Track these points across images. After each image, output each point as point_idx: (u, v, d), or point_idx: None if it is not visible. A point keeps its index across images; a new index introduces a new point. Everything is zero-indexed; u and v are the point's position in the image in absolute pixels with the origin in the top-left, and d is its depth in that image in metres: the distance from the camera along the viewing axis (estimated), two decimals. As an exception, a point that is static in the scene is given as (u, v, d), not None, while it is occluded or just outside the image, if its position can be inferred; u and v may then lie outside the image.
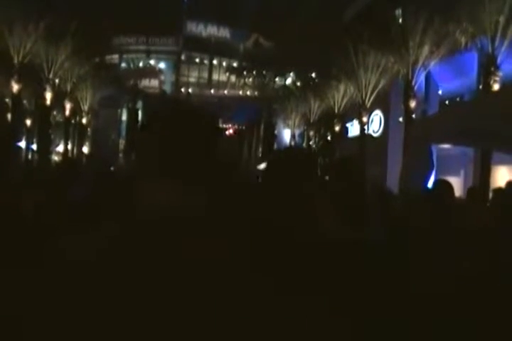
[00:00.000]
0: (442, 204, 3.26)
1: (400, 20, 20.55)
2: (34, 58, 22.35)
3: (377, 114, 23.85)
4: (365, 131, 23.12)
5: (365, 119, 22.91)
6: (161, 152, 1.20)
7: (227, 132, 43.13)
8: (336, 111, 26.35)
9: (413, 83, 18.63)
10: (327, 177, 3.08)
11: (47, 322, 0.90)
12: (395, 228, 2.58)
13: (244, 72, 51.41)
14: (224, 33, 57.17)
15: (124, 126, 44.80)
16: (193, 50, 56.05)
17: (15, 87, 21.29)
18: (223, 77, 56.20)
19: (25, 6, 20.53)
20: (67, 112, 28.09)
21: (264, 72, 47.32)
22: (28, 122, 28.10)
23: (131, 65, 53.47)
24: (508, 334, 2.09)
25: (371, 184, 2.89)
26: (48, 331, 0.90)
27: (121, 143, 44.10)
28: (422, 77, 18.95)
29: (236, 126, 42.79)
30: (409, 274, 2.02)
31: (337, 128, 27.05)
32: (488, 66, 14.61)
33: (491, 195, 6.46)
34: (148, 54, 55.25)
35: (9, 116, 22.51)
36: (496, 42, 14.47)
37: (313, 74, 32.13)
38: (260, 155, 39.74)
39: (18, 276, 0.99)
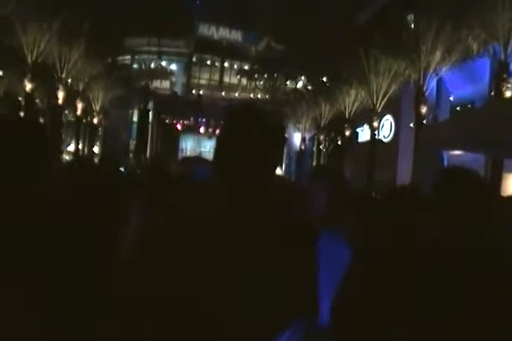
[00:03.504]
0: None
1: (412, 26, 20.52)
2: (47, 58, 22.47)
3: (387, 119, 23.81)
4: (376, 136, 23.07)
5: (375, 124, 22.88)
6: None
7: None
8: (347, 115, 26.31)
9: (424, 89, 18.58)
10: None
11: None
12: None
13: (256, 75, 51.38)
14: (236, 35, 57.18)
15: (134, 126, 44.91)
16: (204, 52, 56.06)
17: (28, 86, 21.42)
18: (234, 80, 56.18)
19: (39, 5, 20.65)
20: (79, 112, 28.23)
21: (275, 75, 47.31)
22: (41, 121, 28.25)
23: (143, 66, 53.56)
24: None
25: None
26: None
27: (132, 143, 44.20)
28: (433, 83, 18.90)
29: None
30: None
31: (347, 133, 27.01)
32: (500, 73, 14.56)
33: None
34: (160, 55, 55.36)
35: (22, 114, 22.65)
36: (509, 49, 14.42)
37: (325, 79, 32.11)
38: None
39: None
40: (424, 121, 18.40)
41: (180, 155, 39.42)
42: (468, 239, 1.96)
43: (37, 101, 26.26)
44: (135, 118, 45.14)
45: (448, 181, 2.14)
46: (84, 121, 30.51)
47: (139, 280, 1.46)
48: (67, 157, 29.72)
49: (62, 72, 24.04)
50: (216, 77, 57.17)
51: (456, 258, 1.90)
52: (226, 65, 57.09)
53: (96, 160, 22.49)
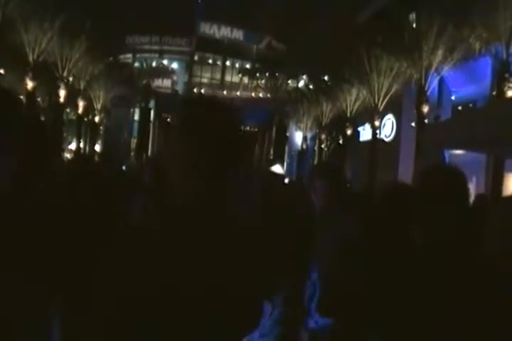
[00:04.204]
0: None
1: (414, 25, 20.49)
2: (49, 56, 22.48)
3: (389, 119, 23.77)
4: (377, 136, 23.04)
5: (377, 123, 22.84)
6: None
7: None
8: (348, 114, 26.29)
9: (426, 88, 18.55)
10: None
11: None
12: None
13: (257, 74, 51.34)
14: (237, 34, 57.19)
15: (136, 125, 44.96)
16: (206, 50, 56.10)
17: (29, 85, 21.42)
18: (236, 79, 56.19)
19: (40, 3, 20.65)
20: (80, 110, 28.27)
21: (276, 74, 47.25)
22: (42, 119, 28.25)
23: (144, 65, 53.59)
24: None
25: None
26: None
27: (133, 142, 44.26)
28: (435, 82, 18.87)
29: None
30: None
31: (349, 132, 27.00)
32: (502, 72, 14.54)
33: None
34: (162, 54, 55.36)
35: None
36: (511, 49, 14.40)
37: (326, 78, 32.07)
38: (272, 157, 39.75)
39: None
40: (426, 121, 18.37)
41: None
42: (443, 240, 1.96)
43: (38, 99, 26.28)
44: (136, 117, 45.19)
45: (423, 182, 2.15)
46: (85, 119, 30.53)
47: (129, 275, 1.46)
48: (68, 155, 29.75)
49: (63, 71, 24.08)
50: (218, 75, 57.19)
51: (434, 260, 1.90)
52: (228, 63, 57.12)
53: (97, 159, 22.52)
